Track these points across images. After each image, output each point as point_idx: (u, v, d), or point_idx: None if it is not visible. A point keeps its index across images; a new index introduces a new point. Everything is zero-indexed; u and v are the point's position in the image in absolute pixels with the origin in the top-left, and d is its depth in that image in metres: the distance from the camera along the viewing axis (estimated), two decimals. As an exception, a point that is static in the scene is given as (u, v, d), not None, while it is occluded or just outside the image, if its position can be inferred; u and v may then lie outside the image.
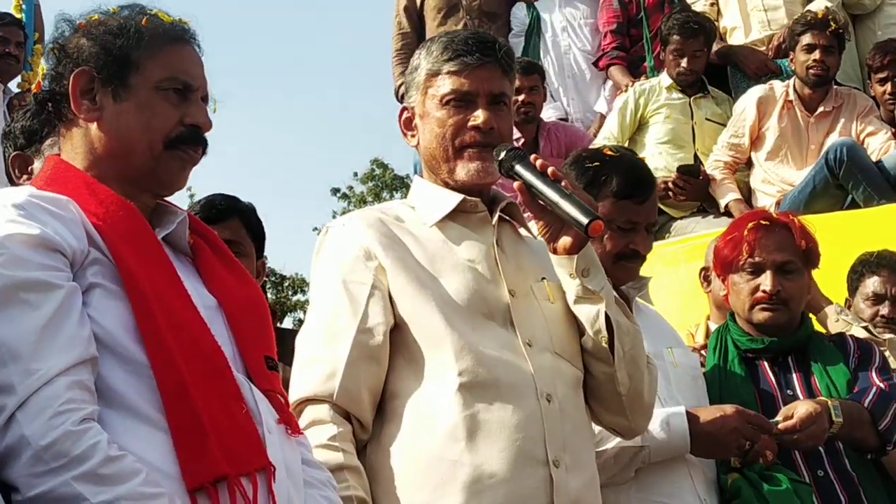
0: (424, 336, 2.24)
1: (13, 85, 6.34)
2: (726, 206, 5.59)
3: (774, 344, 3.08)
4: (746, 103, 5.69)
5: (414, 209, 2.42)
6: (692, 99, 5.91)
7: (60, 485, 1.62)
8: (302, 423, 2.17)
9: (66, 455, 1.63)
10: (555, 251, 2.29)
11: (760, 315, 3.05)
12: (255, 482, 1.77)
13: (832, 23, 5.49)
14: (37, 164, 2.64)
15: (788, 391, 3.02)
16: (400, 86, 6.49)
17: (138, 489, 1.65)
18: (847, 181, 5.21)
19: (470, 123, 2.35)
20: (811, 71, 5.48)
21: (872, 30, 6.14)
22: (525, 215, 2.46)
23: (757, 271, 3.07)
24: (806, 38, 5.49)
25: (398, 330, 2.26)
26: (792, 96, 5.60)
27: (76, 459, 1.63)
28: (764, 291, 3.03)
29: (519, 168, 2.27)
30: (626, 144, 5.87)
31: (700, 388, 2.94)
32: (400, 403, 2.23)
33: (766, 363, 3.08)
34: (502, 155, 2.31)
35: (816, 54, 5.45)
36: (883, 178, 5.25)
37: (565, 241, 2.26)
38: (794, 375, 3.06)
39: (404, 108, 2.47)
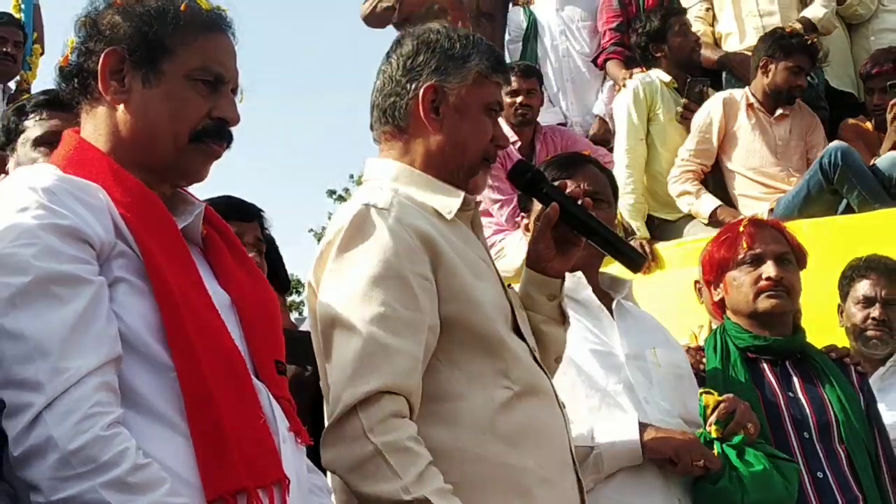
0: (472, 338, 2.14)
1: (12, 85, 6.33)
2: (712, 214, 5.53)
3: (776, 343, 3.13)
4: (711, 107, 5.72)
5: (414, 200, 2.23)
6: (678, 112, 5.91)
7: (87, 490, 1.59)
8: (381, 411, 2.00)
9: (95, 461, 1.60)
10: (543, 271, 2.36)
11: (766, 302, 3.12)
12: (272, 495, 1.75)
13: (813, 45, 5.64)
14: (11, 164, 2.63)
15: (790, 393, 3.07)
16: (371, 8, 6.43)
17: (163, 499, 1.62)
18: (841, 185, 5.22)
19: (499, 142, 2.33)
20: (794, 91, 5.60)
21: (866, 35, 6.18)
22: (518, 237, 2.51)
23: (757, 262, 3.15)
24: (792, 59, 5.57)
25: (444, 330, 2.13)
26: (752, 100, 5.68)
27: (104, 466, 1.60)
28: (769, 278, 3.11)
29: (567, 205, 2.33)
30: (645, 135, 5.86)
31: (686, 388, 2.93)
32: (443, 408, 2.11)
33: (766, 365, 3.12)
34: (529, 175, 2.39)
35: (802, 78, 5.59)
36: (877, 182, 5.27)
37: (559, 264, 2.36)
38: (794, 379, 3.11)
39: (433, 87, 2.25)
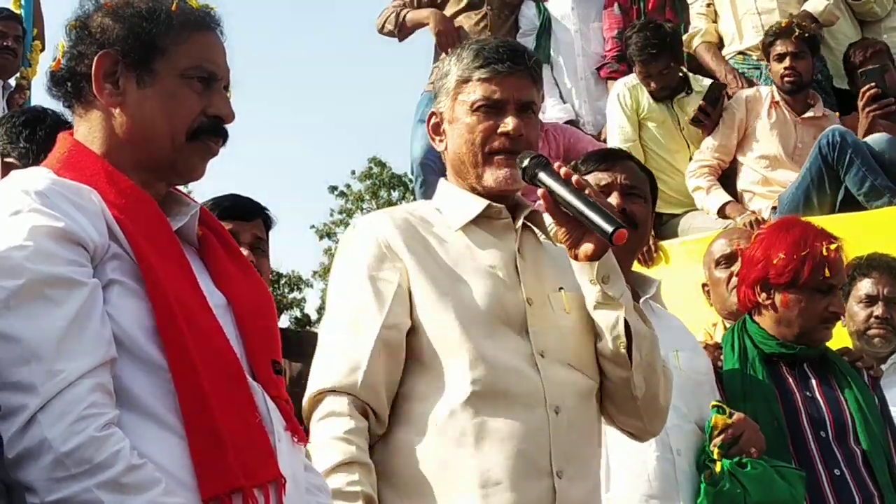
0: (440, 342, 2.26)
1: (12, 82, 6.31)
2: (720, 210, 5.53)
3: (802, 351, 3.17)
4: (735, 104, 5.70)
5: (440, 212, 2.44)
6: (675, 101, 5.87)
7: (82, 491, 1.59)
8: (320, 412, 2.21)
9: (89, 462, 1.60)
10: (576, 257, 2.30)
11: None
12: (267, 494, 1.76)
13: (797, 29, 5.56)
14: None
15: (807, 393, 3.11)
16: (386, 20, 6.54)
17: (158, 499, 1.63)
18: (841, 164, 5.19)
19: (500, 130, 2.36)
20: (785, 79, 5.56)
21: (878, 33, 6.15)
22: (548, 223, 2.46)
23: (828, 291, 3.16)
24: (776, 48, 5.58)
25: (413, 333, 2.28)
26: (778, 98, 5.64)
27: (99, 466, 1.60)
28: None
29: (542, 175, 2.28)
30: (636, 137, 5.82)
31: (703, 394, 2.94)
32: (410, 407, 2.25)
33: (784, 366, 3.16)
34: (525, 162, 2.33)
35: (787, 62, 5.54)
36: (874, 160, 5.24)
37: (587, 247, 2.27)
38: (812, 381, 3.15)
39: (433, 113, 2.48)
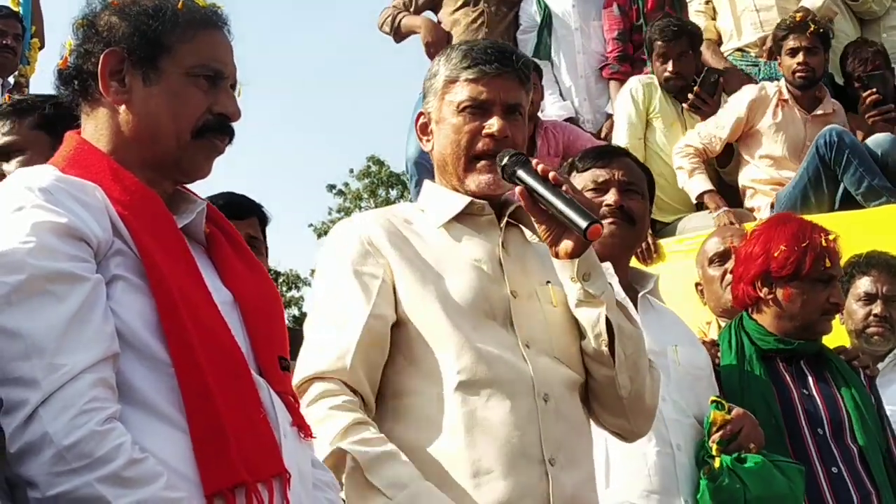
0: (427, 334, 2.26)
1: (11, 80, 6.31)
2: (699, 197, 5.53)
3: (800, 346, 3.19)
4: (736, 103, 5.69)
5: (423, 212, 2.47)
6: (685, 105, 5.88)
7: (83, 485, 1.59)
8: (309, 396, 2.19)
9: (90, 456, 1.60)
10: (556, 255, 2.31)
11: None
12: (272, 489, 1.76)
13: (811, 24, 5.55)
14: None
15: (804, 390, 3.13)
16: (384, 20, 6.64)
17: (160, 493, 1.62)
18: (838, 164, 5.19)
19: (484, 131, 2.37)
20: (797, 74, 5.54)
21: (877, 31, 6.17)
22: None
23: (829, 281, 3.18)
24: (788, 42, 5.56)
25: (399, 327, 2.29)
26: (786, 95, 5.61)
27: (99, 461, 1.60)
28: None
29: (520, 173, 2.28)
30: (643, 135, 5.84)
31: (702, 389, 2.95)
32: (400, 402, 2.26)
33: (781, 363, 3.18)
34: (505, 160, 2.32)
35: (800, 57, 5.52)
36: (872, 160, 5.25)
37: (567, 245, 2.27)
38: (809, 378, 3.17)
39: (421, 113, 2.50)
